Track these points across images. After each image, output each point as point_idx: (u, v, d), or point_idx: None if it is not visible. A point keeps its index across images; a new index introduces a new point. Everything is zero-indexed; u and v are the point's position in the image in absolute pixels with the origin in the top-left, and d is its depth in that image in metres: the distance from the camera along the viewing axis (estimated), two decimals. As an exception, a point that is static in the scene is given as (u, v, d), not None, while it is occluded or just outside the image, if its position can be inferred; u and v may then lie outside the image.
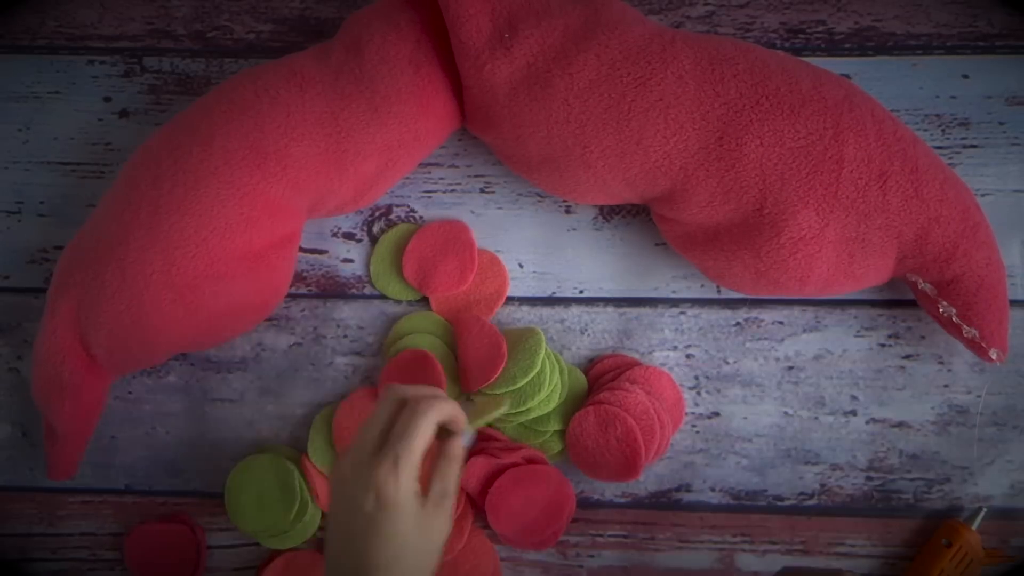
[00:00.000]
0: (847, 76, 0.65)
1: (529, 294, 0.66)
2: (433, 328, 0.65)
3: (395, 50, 0.59)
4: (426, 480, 0.51)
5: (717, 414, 0.64)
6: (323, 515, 0.63)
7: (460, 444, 0.52)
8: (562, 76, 0.57)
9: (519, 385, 0.61)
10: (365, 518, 0.48)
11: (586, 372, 0.64)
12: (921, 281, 0.60)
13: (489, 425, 0.63)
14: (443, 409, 0.51)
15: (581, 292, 0.66)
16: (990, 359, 0.59)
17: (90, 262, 0.58)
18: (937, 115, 0.66)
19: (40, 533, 0.65)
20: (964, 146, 0.65)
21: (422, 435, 0.49)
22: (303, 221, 0.63)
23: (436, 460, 0.52)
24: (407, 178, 0.67)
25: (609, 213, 0.66)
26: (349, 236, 0.67)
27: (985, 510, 0.62)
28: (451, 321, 0.65)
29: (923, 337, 0.64)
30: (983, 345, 0.59)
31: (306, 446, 0.63)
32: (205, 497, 0.65)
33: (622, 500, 0.64)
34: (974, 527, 0.61)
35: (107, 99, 0.69)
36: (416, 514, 0.49)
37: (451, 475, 0.51)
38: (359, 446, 0.50)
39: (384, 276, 0.66)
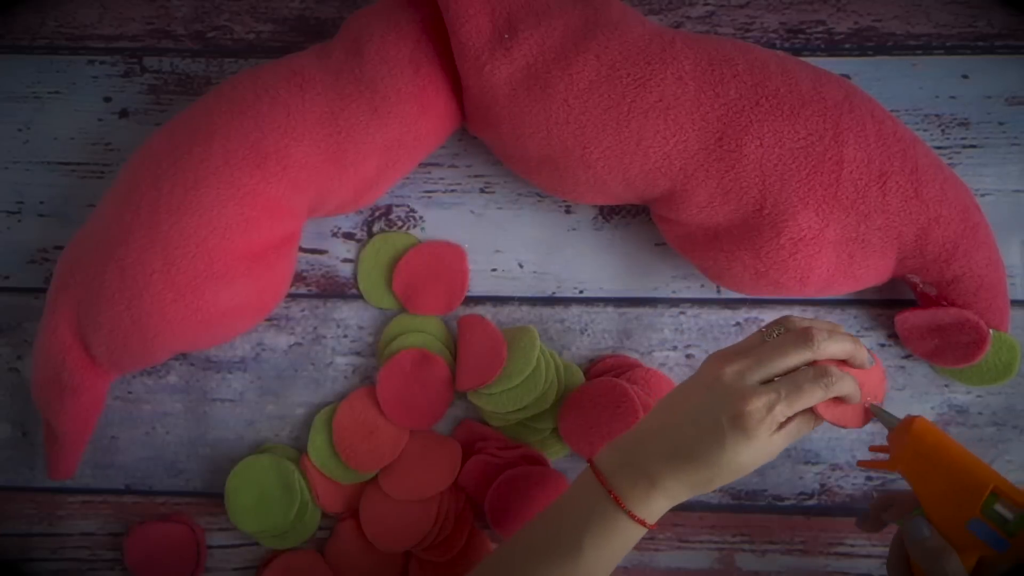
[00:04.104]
0: (847, 76, 0.65)
1: (529, 294, 0.66)
2: (426, 326, 0.65)
3: (395, 50, 0.59)
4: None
5: (717, 414, 0.64)
6: (323, 515, 0.63)
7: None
8: (562, 77, 0.57)
9: (515, 384, 0.61)
10: (716, 425, 0.49)
11: (586, 373, 0.64)
12: (921, 282, 0.60)
13: (488, 424, 0.63)
14: (845, 385, 0.50)
15: (581, 292, 0.66)
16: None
17: (90, 262, 0.58)
18: (937, 115, 0.66)
19: (40, 533, 0.65)
20: (964, 146, 0.65)
21: (809, 400, 0.49)
22: (303, 221, 0.63)
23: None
24: (407, 178, 0.67)
25: (609, 213, 0.66)
26: (349, 236, 0.67)
27: None
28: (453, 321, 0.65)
29: (923, 337, 0.64)
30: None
31: (306, 446, 0.63)
32: (205, 497, 0.65)
33: (622, 500, 0.64)
34: None
35: (107, 99, 0.69)
36: (761, 441, 0.49)
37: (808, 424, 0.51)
38: (746, 360, 0.50)
39: (371, 280, 0.65)
